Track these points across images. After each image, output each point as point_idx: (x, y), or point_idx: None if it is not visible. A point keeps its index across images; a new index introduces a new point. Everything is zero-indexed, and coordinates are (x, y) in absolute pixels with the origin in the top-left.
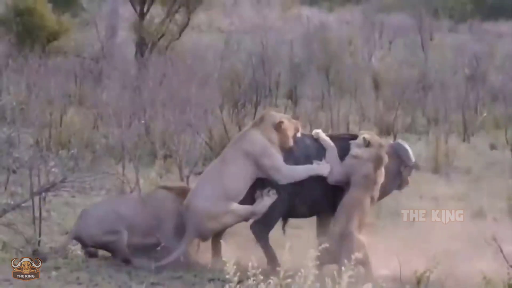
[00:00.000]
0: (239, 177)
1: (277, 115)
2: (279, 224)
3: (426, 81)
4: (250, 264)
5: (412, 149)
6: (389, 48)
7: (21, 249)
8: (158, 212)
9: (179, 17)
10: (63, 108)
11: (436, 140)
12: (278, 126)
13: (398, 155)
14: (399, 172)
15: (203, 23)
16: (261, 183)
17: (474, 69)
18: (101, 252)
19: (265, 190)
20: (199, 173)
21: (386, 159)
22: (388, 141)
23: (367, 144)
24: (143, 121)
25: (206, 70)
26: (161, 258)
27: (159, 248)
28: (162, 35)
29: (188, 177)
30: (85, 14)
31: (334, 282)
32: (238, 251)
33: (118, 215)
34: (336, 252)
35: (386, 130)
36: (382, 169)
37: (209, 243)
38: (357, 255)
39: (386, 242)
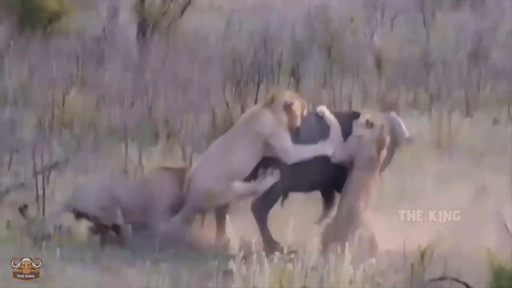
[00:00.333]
0: (246, 156)
1: (287, 96)
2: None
3: (429, 59)
4: (253, 240)
5: (415, 126)
6: (391, 26)
7: (25, 229)
8: (155, 193)
9: None
10: (65, 89)
11: (438, 117)
12: (288, 107)
13: (392, 128)
14: (393, 145)
15: (205, 2)
16: (263, 161)
17: (476, 46)
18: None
19: (269, 170)
20: (202, 152)
21: (388, 140)
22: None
23: (370, 125)
24: (145, 101)
25: (208, 50)
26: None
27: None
28: (164, 13)
29: (191, 157)
30: None
31: (338, 258)
32: (242, 227)
33: (112, 194)
34: (343, 230)
35: (388, 108)
36: (385, 150)
37: (213, 220)
38: (363, 232)
39: (389, 218)
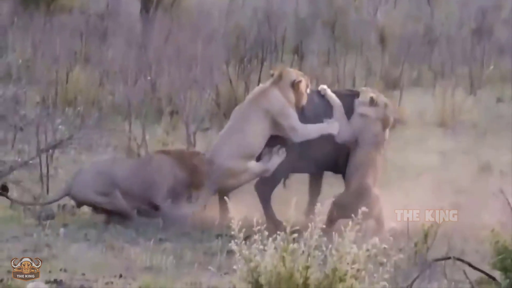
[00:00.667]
0: (258, 135)
1: (294, 73)
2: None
3: (432, 35)
4: (255, 220)
5: (419, 104)
6: (395, 2)
7: (28, 207)
8: (154, 175)
9: None
10: (69, 66)
11: (442, 94)
12: (296, 85)
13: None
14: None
15: None
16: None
17: (480, 22)
18: None
19: (275, 148)
20: (206, 129)
21: (392, 118)
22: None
23: (374, 103)
24: (149, 78)
25: (211, 26)
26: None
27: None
28: None
29: (194, 134)
30: None
31: (342, 237)
32: (244, 207)
33: (110, 177)
34: (354, 207)
35: (392, 85)
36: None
37: (216, 201)
38: (372, 208)
39: (393, 196)
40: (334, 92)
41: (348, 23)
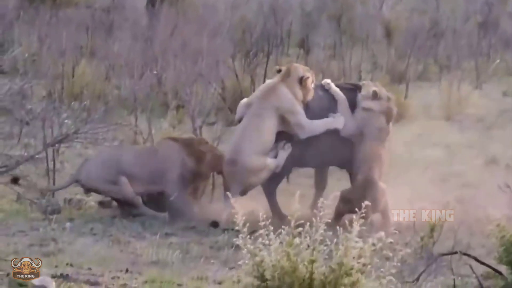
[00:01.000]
0: (271, 131)
1: (301, 69)
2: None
3: (438, 29)
4: (260, 214)
5: (425, 97)
6: None
7: (35, 200)
8: (163, 162)
9: None
10: (75, 60)
11: (448, 88)
12: (304, 82)
13: None
14: None
15: None
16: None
17: (486, 15)
18: (114, 203)
19: (280, 144)
20: (212, 123)
21: (395, 111)
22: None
23: (377, 96)
24: (155, 72)
25: (217, 20)
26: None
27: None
28: None
29: (200, 127)
30: None
31: (346, 231)
32: (250, 202)
33: (117, 163)
34: (359, 201)
35: (398, 78)
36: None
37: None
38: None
39: (399, 190)
40: (335, 86)
41: (354, 16)
